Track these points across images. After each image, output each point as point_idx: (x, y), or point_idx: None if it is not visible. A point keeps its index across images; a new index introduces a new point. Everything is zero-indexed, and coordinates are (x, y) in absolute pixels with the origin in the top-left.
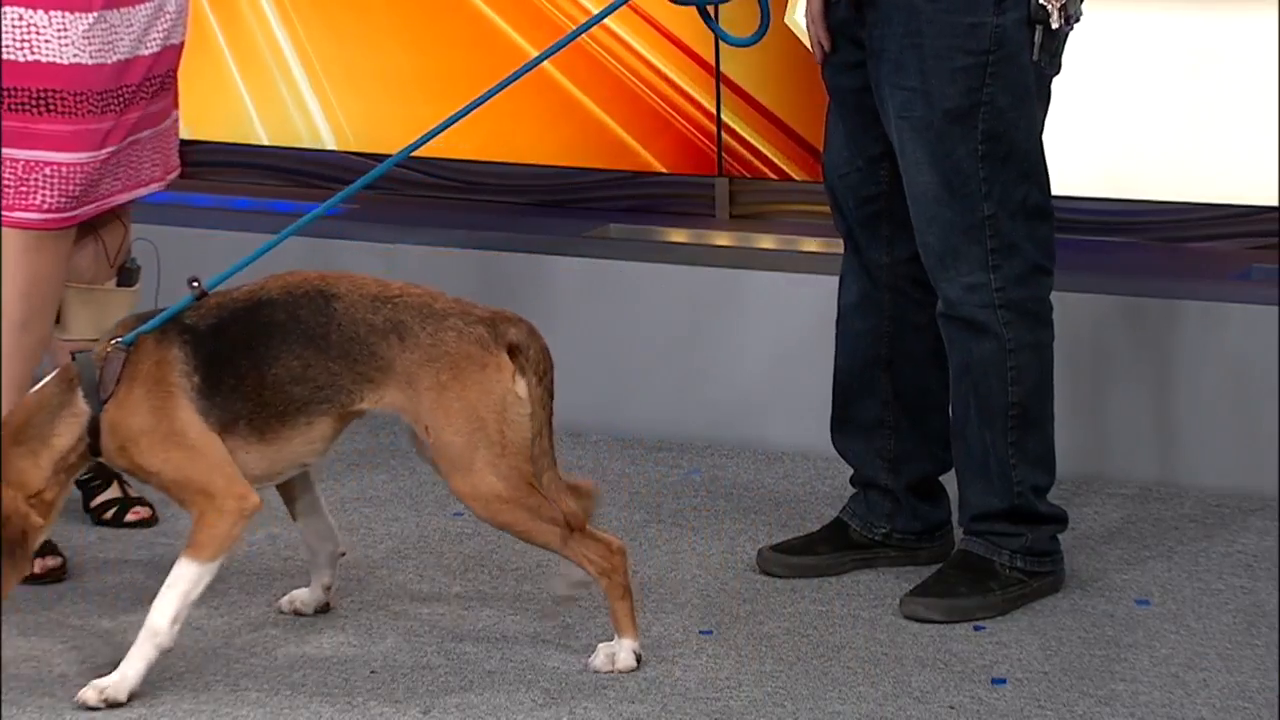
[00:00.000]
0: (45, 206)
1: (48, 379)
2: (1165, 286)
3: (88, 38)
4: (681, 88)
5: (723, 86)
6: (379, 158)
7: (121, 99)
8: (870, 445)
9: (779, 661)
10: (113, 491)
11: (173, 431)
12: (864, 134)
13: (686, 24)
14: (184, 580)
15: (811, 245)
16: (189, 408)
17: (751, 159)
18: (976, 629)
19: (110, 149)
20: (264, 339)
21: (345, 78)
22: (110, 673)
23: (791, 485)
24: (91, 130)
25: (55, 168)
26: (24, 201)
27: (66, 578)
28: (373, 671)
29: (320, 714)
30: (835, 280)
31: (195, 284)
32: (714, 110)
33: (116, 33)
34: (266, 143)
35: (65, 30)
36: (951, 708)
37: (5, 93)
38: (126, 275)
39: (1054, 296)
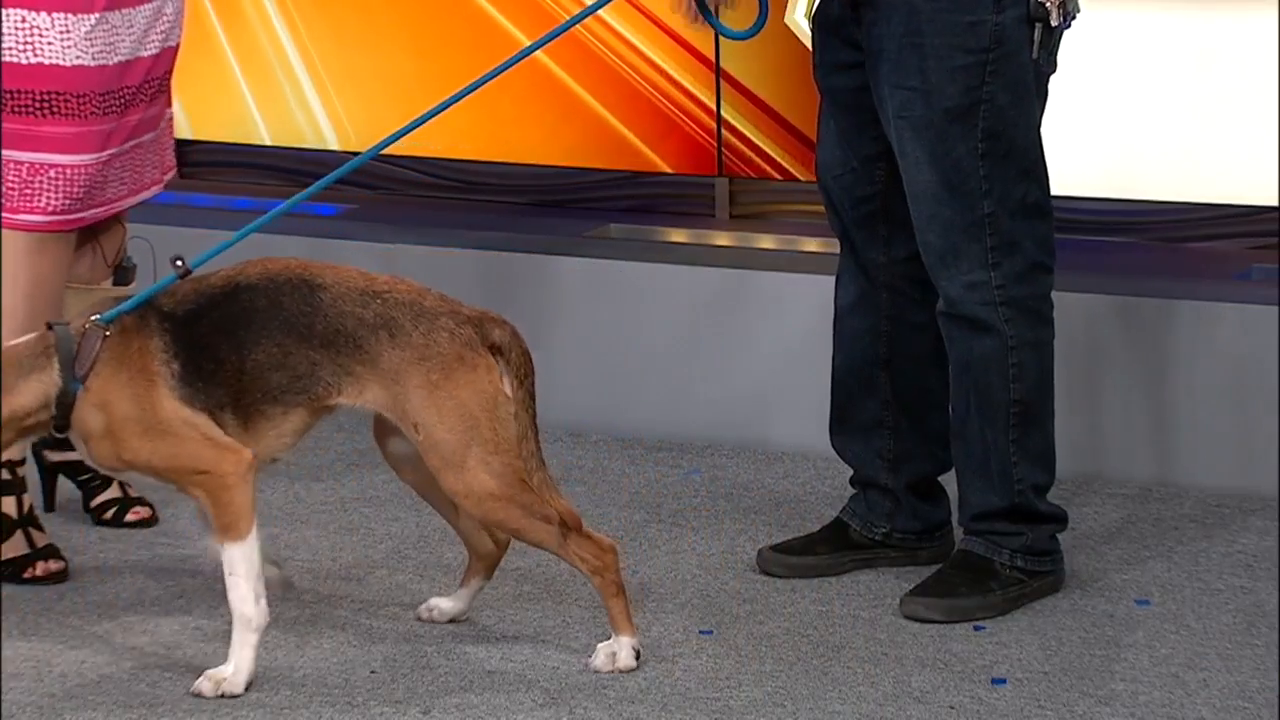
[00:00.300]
0: (50, 209)
1: (25, 339)
2: (1165, 286)
3: (90, 39)
4: (683, 85)
5: (725, 85)
6: (383, 158)
7: (122, 100)
8: (870, 445)
9: (779, 661)
10: (113, 491)
11: (157, 421)
12: (858, 134)
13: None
14: (239, 564)
15: (811, 245)
16: (170, 396)
17: (754, 157)
18: (976, 629)
19: (112, 151)
20: (244, 324)
21: (347, 77)
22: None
23: (791, 485)
24: (95, 132)
25: (60, 170)
26: (29, 204)
27: (68, 580)
28: (373, 671)
29: (320, 714)
30: (834, 280)
31: (179, 263)
32: (714, 108)
33: (118, 34)
34: (269, 142)
35: (68, 32)
36: (951, 708)
37: (8, 95)
38: (122, 274)
39: (1054, 296)
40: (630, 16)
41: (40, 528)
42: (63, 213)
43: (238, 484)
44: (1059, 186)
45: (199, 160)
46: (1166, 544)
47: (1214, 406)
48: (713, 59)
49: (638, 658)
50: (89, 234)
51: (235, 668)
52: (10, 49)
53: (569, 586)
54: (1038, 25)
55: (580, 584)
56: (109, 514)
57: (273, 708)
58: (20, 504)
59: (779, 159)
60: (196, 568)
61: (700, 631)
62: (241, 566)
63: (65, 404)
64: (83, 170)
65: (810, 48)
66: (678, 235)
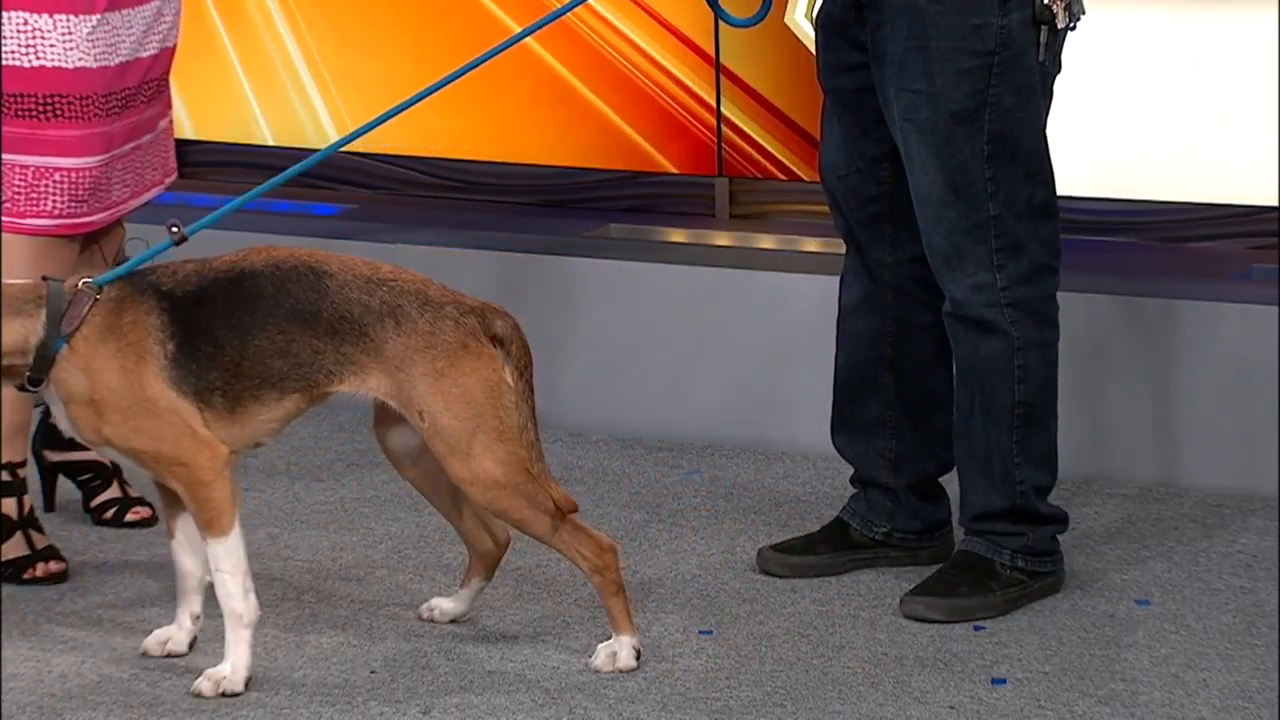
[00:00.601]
0: (56, 212)
1: (22, 282)
2: (1165, 286)
3: (92, 40)
4: (685, 83)
5: (728, 85)
6: (382, 158)
7: (122, 101)
8: (871, 445)
9: (779, 661)
10: (113, 491)
11: (143, 398)
12: (863, 136)
13: (687, 18)
14: (223, 560)
15: (812, 245)
16: (159, 375)
17: (757, 157)
18: (976, 629)
19: (115, 152)
20: (249, 310)
21: (350, 77)
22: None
23: (791, 485)
24: (98, 134)
25: (65, 173)
26: (36, 208)
27: (68, 580)
28: (373, 671)
29: (320, 714)
30: (835, 280)
31: (175, 229)
32: (715, 105)
33: (118, 34)
34: (271, 142)
35: (70, 34)
36: (951, 708)
37: (12, 99)
38: None
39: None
40: (631, 15)
41: (40, 529)
42: (69, 216)
43: (214, 479)
44: (1059, 186)
45: (201, 160)
46: (1166, 544)
47: (1214, 406)
48: (714, 56)
49: (638, 657)
50: (90, 236)
51: (233, 666)
52: (13, 52)
53: (569, 586)
54: (1043, 27)
55: (580, 584)
56: (109, 514)
57: (273, 708)
58: (21, 505)
59: (782, 158)
60: None
61: (700, 631)
62: (227, 563)
63: (44, 356)
64: (87, 173)
65: (810, 47)
66: (678, 235)
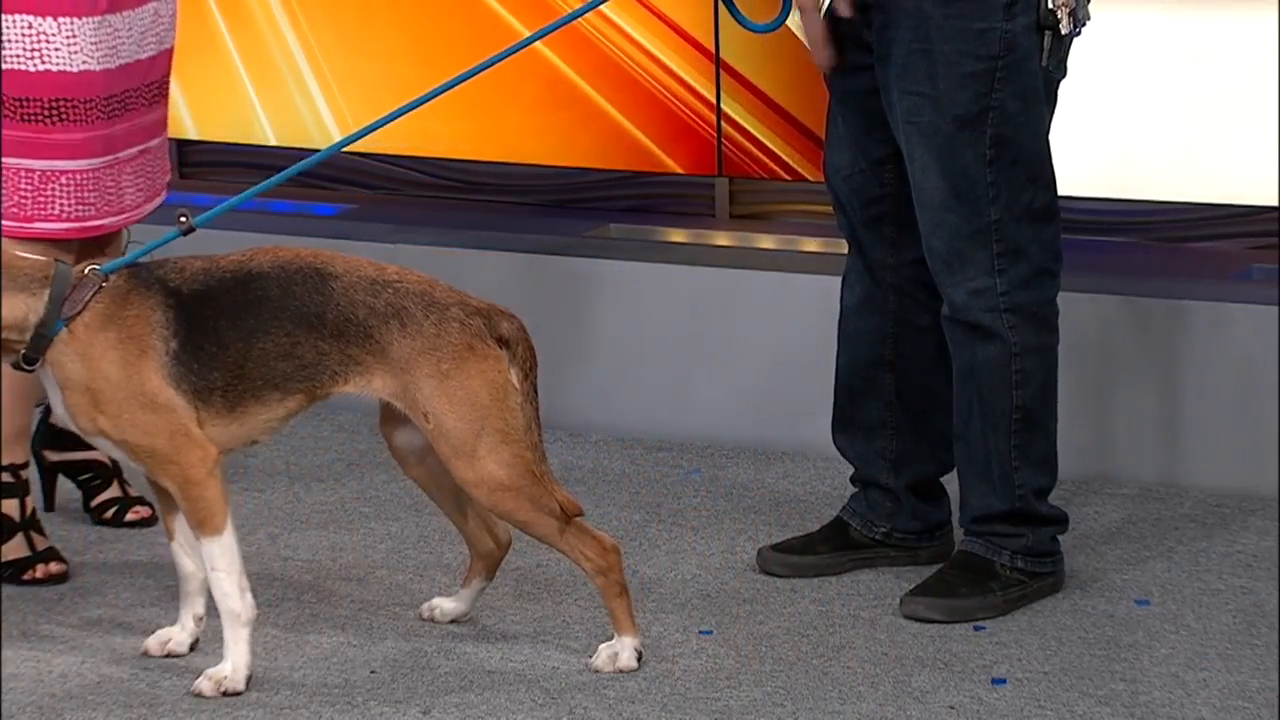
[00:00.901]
0: (63, 216)
1: (31, 258)
2: (1165, 287)
3: (95, 43)
4: (688, 82)
5: (732, 85)
6: (382, 158)
7: (124, 103)
8: (872, 445)
9: (779, 661)
10: (113, 491)
11: (141, 392)
12: (868, 136)
13: (689, 18)
14: (219, 558)
15: (812, 245)
16: (159, 371)
17: (761, 156)
18: (976, 629)
19: (119, 155)
20: (255, 311)
21: (352, 77)
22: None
23: (791, 485)
24: (101, 136)
25: (70, 176)
26: (43, 212)
27: (68, 580)
28: (373, 671)
29: (320, 714)
30: (836, 280)
31: (184, 219)
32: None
33: (119, 36)
34: (274, 143)
35: (74, 37)
36: (951, 708)
37: (16, 103)
38: None
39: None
40: (633, 14)
41: (41, 531)
42: (77, 219)
43: (204, 479)
44: (1059, 186)
45: (203, 160)
46: (1166, 544)
47: (1214, 406)
48: (719, 59)
49: (639, 659)
50: (94, 242)
51: (233, 665)
52: (17, 56)
53: (569, 586)
54: (1048, 33)
55: (580, 584)
56: (109, 514)
57: (273, 708)
58: (23, 507)
59: (786, 158)
60: None
61: (700, 631)
62: (222, 561)
63: (42, 336)
64: (91, 175)
65: (815, 64)
66: (678, 235)
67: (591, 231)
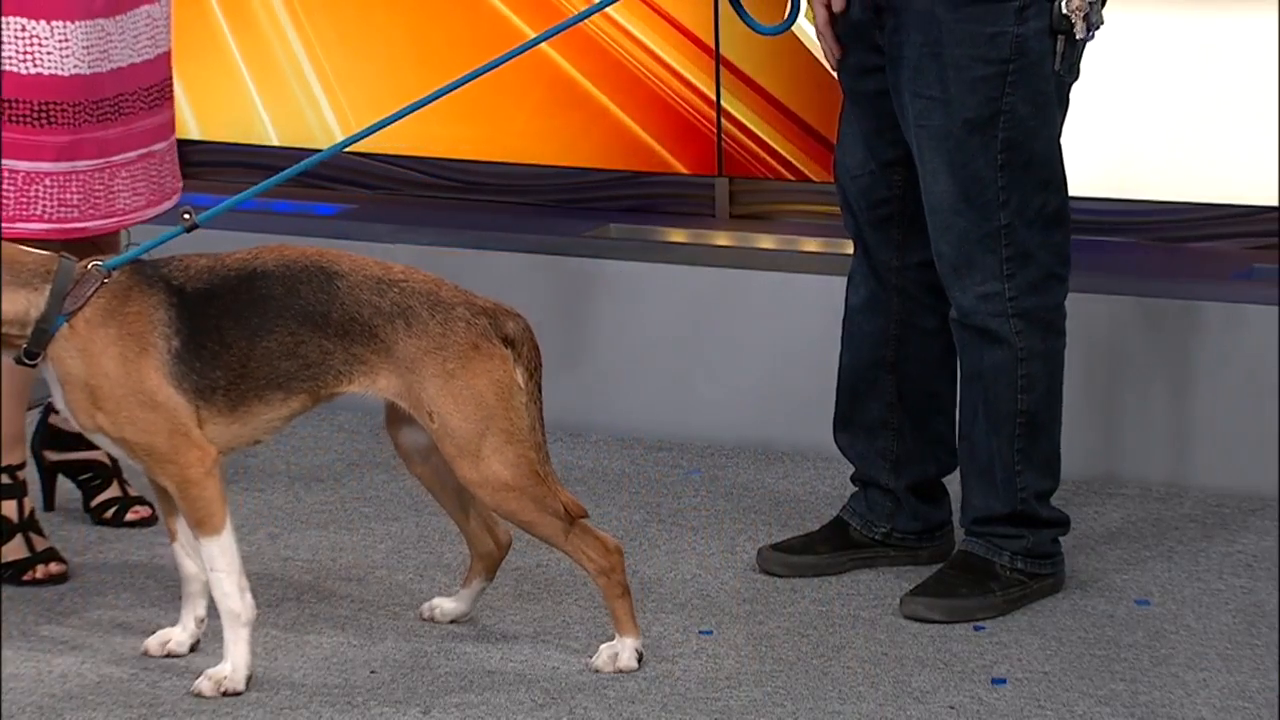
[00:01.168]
0: (46, 217)
1: (35, 252)
2: (1165, 287)
3: (87, 47)
4: (687, 78)
5: (735, 85)
6: (382, 158)
7: (117, 107)
8: (873, 445)
9: (779, 661)
10: (113, 491)
11: (141, 389)
12: (879, 138)
13: (688, 13)
14: (218, 558)
15: (812, 245)
16: (159, 369)
17: (765, 155)
18: (976, 629)
19: (112, 159)
20: (259, 310)
21: (355, 77)
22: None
23: (791, 485)
24: (90, 139)
25: (54, 178)
26: (26, 212)
27: (68, 580)
28: (373, 671)
29: (320, 714)
30: (836, 280)
31: (187, 215)
32: (716, 101)
33: (112, 41)
34: (276, 143)
35: (67, 40)
36: (951, 708)
37: (7, 104)
38: None
39: None
40: (636, 14)
41: (41, 532)
42: (59, 221)
43: (202, 479)
44: None
45: (205, 160)
46: (1166, 544)
47: (1214, 406)
48: (720, 60)
49: (640, 659)
50: (89, 244)
51: (233, 665)
52: (10, 58)
53: (569, 586)
54: (1060, 37)
55: (580, 584)
56: (109, 514)
57: (273, 708)
58: (21, 508)
59: (790, 157)
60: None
61: (700, 631)
62: (221, 560)
63: (43, 331)
64: (77, 177)
65: (813, 49)
66: (678, 235)
67: (592, 231)
